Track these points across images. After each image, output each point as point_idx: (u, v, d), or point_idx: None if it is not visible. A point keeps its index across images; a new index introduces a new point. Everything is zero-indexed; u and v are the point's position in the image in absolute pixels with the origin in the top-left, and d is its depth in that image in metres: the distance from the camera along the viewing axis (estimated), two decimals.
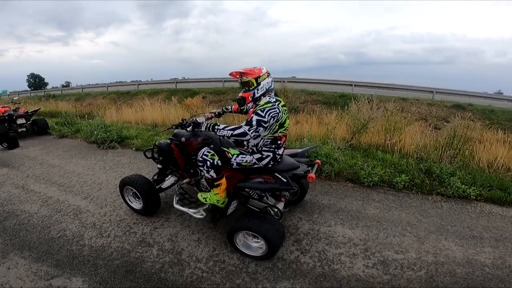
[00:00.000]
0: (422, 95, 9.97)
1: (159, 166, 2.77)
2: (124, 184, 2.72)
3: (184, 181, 2.79)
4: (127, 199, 2.84)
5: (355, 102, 5.72)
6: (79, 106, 10.71)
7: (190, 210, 2.40)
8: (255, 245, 2.24)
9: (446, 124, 8.82)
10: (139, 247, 2.37)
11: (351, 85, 10.97)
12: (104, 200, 3.16)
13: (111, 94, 13.74)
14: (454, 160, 4.44)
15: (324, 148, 4.29)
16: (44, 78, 55.52)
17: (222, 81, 12.43)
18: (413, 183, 3.71)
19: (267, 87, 2.12)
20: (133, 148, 5.08)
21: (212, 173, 2.15)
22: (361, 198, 3.33)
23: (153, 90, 12.75)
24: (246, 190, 2.29)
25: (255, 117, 1.94)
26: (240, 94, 2.16)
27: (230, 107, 2.90)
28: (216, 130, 2.09)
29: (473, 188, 3.54)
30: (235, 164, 2.19)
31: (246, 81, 2.09)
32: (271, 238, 2.05)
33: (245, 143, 2.25)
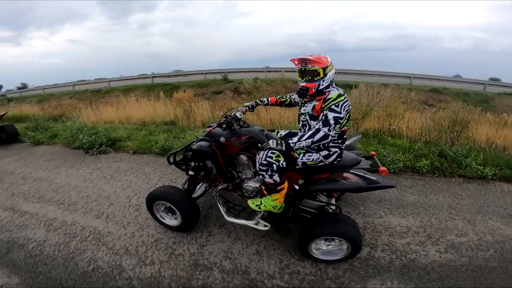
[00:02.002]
0: (401, 81, 10.42)
1: (191, 172, 2.38)
2: (153, 199, 2.31)
3: (219, 187, 2.47)
4: (158, 215, 2.44)
5: (357, 89, 5.75)
6: (47, 108, 9.38)
7: (249, 222, 2.13)
8: (334, 249, 2.06)
9: (426, 107, 9.39)
10: (197, 272, 2.03)
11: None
12: (123, 217, 2.70)
13: (79, 94, 12.31)
14: (457, 142, 4.65)
15: None
16: None
17: (203, 73, 11.78)
18: (433, 166, 3.78)
19: (331, 79, 1.89)
20: (131, 152, 4.51)
21: (276, 177, 1.89)
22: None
23: (127, 87, 11.72)
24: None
25: (330, 115, 1.71)
26: (303, 84, 1.88)
27: (266, 99, 2.59)
28: (292, 145, 1.79)
29: (488, 168, 3.71)
30: (300, 164, 1.95)
31: (312, 70, 1.83)
32: (355, 237, 1.90)
33: None
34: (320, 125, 1.73)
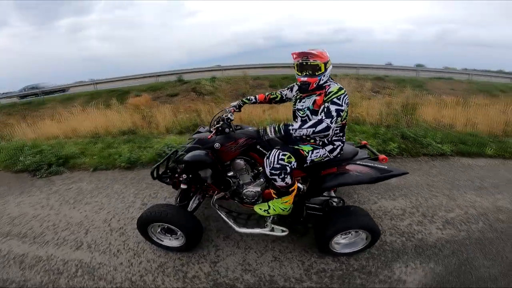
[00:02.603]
0: (348, 71, 11.24)
1: (183, 186, 2.11)
2: (147, 223, 1.99)
3: (215, 197, 2.27)
4: (155, 238, 2.12)
5: None
6: None
7: (265, 230, 2.00)
8: (354, 240, 2.05)
9: (374, 94, 10.33)
10: None
11: (289, 67, 11.41)
12: (109, 244, 2.28)
13: (7, 108, 10.19)
14: (412, 124, 5.19)
15: None
16: None
17: (155, 76, 10.93)
18: (401, 148, 4.14)
19: (329, 74, 1.87)
20: (90, 169, 3.90)
21: (288, 179, 1.80)
22: None
23: (65, 96, 10.16)
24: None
25: (333, 107, 1.68)
26: (305, 79, 1.80)
27: (253, 97, 2.45)
28: (291, 131, 1.70)
29: (445, 145, 4.21)
30: (308, 162, 1.89)
31: (313, 65, 1.77)
32: (373, 226, 1.92)
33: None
34: (322, 116, 1.67)
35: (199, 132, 2.33)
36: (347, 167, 1.96)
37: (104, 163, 3.97)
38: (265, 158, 1.80)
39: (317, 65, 1.76)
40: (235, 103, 2.38)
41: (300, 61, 1.79)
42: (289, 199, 1.91)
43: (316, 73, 1.78)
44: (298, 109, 1.95)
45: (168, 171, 2.36)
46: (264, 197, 2.11)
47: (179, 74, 11.02)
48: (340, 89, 1.73)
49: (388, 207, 2.70)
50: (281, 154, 1.75)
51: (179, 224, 1.94)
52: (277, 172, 1.74)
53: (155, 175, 2.24)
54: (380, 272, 1.92)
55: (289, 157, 1.75)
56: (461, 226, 2.43)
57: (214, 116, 2.17)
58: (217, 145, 1.94)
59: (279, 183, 1.80)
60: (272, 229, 1.99)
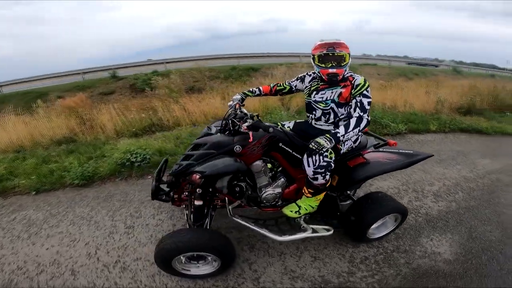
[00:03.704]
0: (292, 60, 11.68)
1: (198, 203, 1.76)
2: (172, 256, 1.58)
3: (230, 207, 1.97)
4: (180, 270, 1.71)
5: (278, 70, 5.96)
6: None
7: (308, 233, 1.82)
8: (383, 223, 2.06)
9: None
10: None
11: (236, 57, 11.18)
12: (116, 286, 1.76)
13: None
14: None
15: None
16: None
17: (80, 73, 9.17)
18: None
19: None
20: (32, 193, 3.00)
21: (328, 176, 1.71)
22: None
23: None
24: None
25: (365, 100, 1.67)
26: (334, 70, 1.71)
27: (257, 89, 2.23)
28: (342, 138, 1.60)
29: (399, 125, 4.74)
30: (340, 155, 1.84)
31: (340, 55, 1.70)
32: (403, 208, 1.98)
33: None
34: (359, 113, 1.64)
35: (209, 134, 1.95)
36: (371, 155, 1.95)
37: (47, 182, 3.10)
38: (306, 157, 1.66)
39: (343, 55, 1.70)
40: (238, 97, 2.11)
41: (325, 51, 1.70)
42: (322, 196, 1.82)
43: (342, 64, 1.71)
44: (317, 101, 1.85)
45: (163, 185, 1.95)
46: (283, 198, 1.95)
47: (112, 69, 9.52)
48: (365, 81, 1.71)
49: (384, 187, 2.86)
50: (325, 151, 1.61)
51: (212, 248, 1.61)
52: (322, 170, 1.65)
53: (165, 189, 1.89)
54: (414, 249, 2.01)
55: (330, 153, 1.66)
56: (448, 197, 2.76)
57: (228, 115, 1.86)
58: (237, 147, 1.66)
59: (320, 181, 1.70)
60: (315, 231, 1.85)
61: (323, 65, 1.73)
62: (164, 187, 1.95)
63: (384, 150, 2.04)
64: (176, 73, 7.76)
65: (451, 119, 5.34)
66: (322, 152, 1.57)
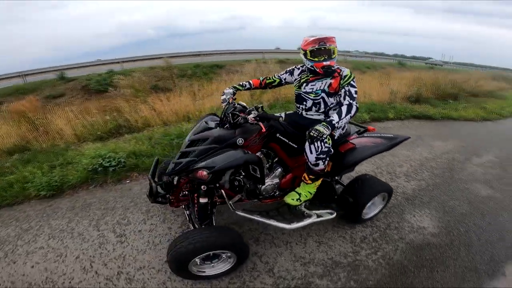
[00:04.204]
0: (256, 56, 11.75)
1: (203, 200, 1.73)
2: (188, 259, 1.51)
3: (230, 202, 1.91)
4: (196, 272, 1.64)
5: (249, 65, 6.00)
6: None
7: (314, 219, 1.89)
8: (373, 203, 2.21)
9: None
10: None
11: (199, 55, 10.83)
12: None
13: None
14: None
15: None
16: None
17: (21, 75, 8.00)
18: None
19: None
20: None
21: (326, 162, 1.83)
22: None
23: None
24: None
25: (352, 90, 1.80)
26: (328, 63, 1.81)
27: (247, 83, 2.25)
28: (336, 124, 1.68)
29: (363, 113, 5.13)
30: (334, 140, 1.95)
31: (329, 49, 1.81)
32: (390, 187, 2.18)
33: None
34: (349, 100, 1.76)
35: (208, 129, 1.88)
36: (357, 141, 2.10)
37: (8, 196, 2.70)
38: (308, 144, 1.73)
39: (332, 49, 1.81)
40: (230, 91, 2.09)
41: (317, 46, 1.80)
42: (319, 182, 1.92)
43: (332, 57, 1.82)
44: (307, 92, 1.93)
45: (160, 187, 1.85)
46: (280, 188, 2.01)
47: (59, 71, 8.49)
48: (351, 72, 1.85)
49: (362, 171, 3.08)
50: (325, 137, 1.70)
51: (229, 245, 1.58)
52: (324, 156, 1.75)
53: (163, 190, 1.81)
54: (402, 225, 2.23)
55: (329, 139, 1.76)
56: (417, 176, 3.10)
57: (226, 109, 1.82)
58: (240, 140, 1.66)
59: (321, 166, 1.79)
60: (319, 215, 1.93)
61: (316, 59, 1.82)
62: (158, 188, 1.84)
63: (368, 135, 2.20)
64: (138, 71, 7.27)
65: (405, 107, 5.96)
66: (323, 138, 1.64)
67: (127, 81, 5.56)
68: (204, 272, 1.67)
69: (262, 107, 1.80)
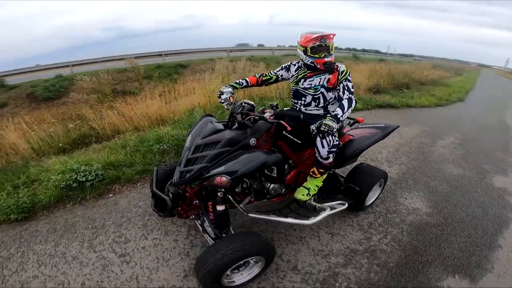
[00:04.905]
0: (220, 54, 11.53)
1: (220, 208, 1.65)
2: (221, 273, 1.42)
3: (241, 206, 1.86)
4: (227, 284, 1.57)
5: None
6: None
7: (328, 211, 1.88)
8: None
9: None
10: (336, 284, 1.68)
11: (161, 55, 10.24)
12: None
13: None
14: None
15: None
16: None
17: None
18: None
19: None
20: None
21: (334, 155, 1.90)
22: None
23: None
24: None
25: (350, 84, 1.89)
26: (329, 59, 1.89)
27: (243, 80, 2.22)
28: (340, 118, 1.74)
29: None
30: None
31: (329, 46, 1.90)
32: (385, 172, 2.34)
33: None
34: (348, 95, 1.86)
35: (217, 131, 1.79)
36: (354, 132, 2.21)
37: None
38: (320, 139, 1.78)
39: (330, 46, 1.90)
40: (229, 89, 2.04)
41: (318, 43, 1.86)
42: (326, 175, 1.99)
43: (331, 53, 1.91)
44: (306, 88, 1.98)
45: (169, 199, 1.73)
46: (285, 185, 2.03)
47: None
48: (347, 68, 1.94)
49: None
50: (334, 132, 1.73)
51: (259, 250, 1.54)
52: (334, 149, 1.82)
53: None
54: (400, 208, 2.41)
55: (336, 132, 1.83)
56: (396, 161, 3.37)
57: (233, 109, 1.75)
58: (253, 140, 1.64)
59: (330, 159, 1.86)
60: (333, 207, 1.97)
61: (316, 56, 1.87)
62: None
63: (362, 126, 2.32)
64: (91, 75, 6.62)
65: (370, 98, 6.40)
66: (333, 132, 1.68)
67: (92, 84, 5.02)
68: (234, 282, 1.60)
69: (277, 105, 1.78)
